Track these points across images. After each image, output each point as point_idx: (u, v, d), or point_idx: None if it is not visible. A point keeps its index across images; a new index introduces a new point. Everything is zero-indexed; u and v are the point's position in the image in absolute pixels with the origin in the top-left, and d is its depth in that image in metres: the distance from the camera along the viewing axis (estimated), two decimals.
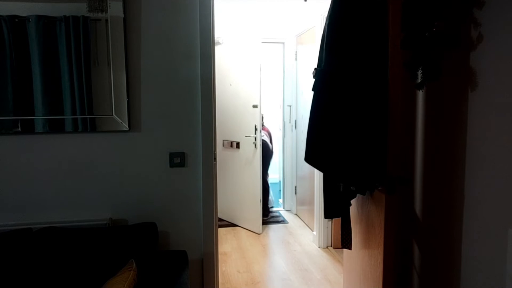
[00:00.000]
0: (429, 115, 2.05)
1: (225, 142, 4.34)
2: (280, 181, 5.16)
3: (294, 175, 4.74)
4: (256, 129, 3.96)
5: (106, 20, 2.01)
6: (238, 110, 4.14)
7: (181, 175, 2.19)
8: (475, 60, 1.71)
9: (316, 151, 1.94)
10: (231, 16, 4.27)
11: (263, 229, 4.19)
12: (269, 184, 4.72)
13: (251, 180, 4.11)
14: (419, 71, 1.85)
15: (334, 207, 2.07)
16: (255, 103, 3.94)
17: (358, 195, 2.05)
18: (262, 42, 4.67)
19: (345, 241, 2.17)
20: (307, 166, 3.95)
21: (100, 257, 1.84)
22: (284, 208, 5.01)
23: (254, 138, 3.99)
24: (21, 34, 1.95)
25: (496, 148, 1.61)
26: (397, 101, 1.73)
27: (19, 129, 2.01)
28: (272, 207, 4.81)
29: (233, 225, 4.36)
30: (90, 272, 1.79)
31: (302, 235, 4.08)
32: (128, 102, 2.08)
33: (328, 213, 2.10)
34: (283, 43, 4.75)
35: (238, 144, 4.19)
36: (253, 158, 4.05)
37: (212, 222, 2.25)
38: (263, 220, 4.32)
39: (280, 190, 5.25)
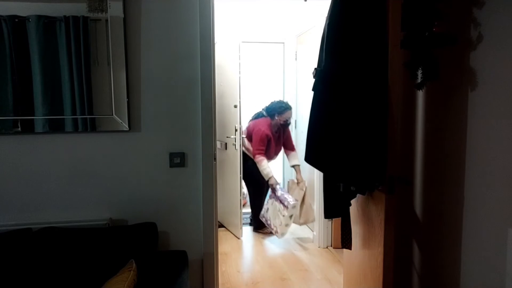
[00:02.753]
0: (429, 115, 2.05)
1: (219, 142, 4.34)
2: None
3: (294, 175, 4.74)
4: (236, 130, 3.91)
5: (106, 20, 2.01)
6: (225, 110, 4.14)
7: (181, 175, 2.19)
8: (475, 60, 1.71)
9: (316, 151, 1.94)
10: (227, 16, 4.27)
11: (262, 229, 4.19)
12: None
13: (233, 183, 4.06)
14: (419, 71, 1.85)
15: (334, 207, 2.07)
16: (235, 103, 3.92)
17: (358, 195, 2.05)
18: (262, 42, 4.66)
19: (345, 241, 2.17)
20: (307, 166, 3.94)
21: (100, 257, 1.84)
22: None
23: (234, 139, 3.94)
24: (21, 34, 1.95)
25: (496, 148, 1.61)
26: (397, 101, 1.73)
27: (19, 129, 2.01)
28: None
29: (223, 226, 4.33)
30: (90, 272, 1.79)
31: (302, 235, 4.08)
32: (128, 102, 2.08)
33: (328, 213, 2.10)
34: (283, 43, 4.75)
35: (225, 145, 4.19)
36: (234, 161, 3.99)
37: (212, 222, 2.25)
38: (257, 231, 4.18)
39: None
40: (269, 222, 3.82)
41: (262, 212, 3.97)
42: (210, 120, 2.18)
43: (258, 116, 4.11)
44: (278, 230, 3.69)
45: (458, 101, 1.82)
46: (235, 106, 3.91)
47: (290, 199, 3.67)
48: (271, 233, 3.91)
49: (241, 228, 4.03)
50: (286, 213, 3.67)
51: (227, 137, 4.05)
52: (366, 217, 2.02)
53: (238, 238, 4.00)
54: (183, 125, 2.17)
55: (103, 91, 2.04)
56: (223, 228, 4.28)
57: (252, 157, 4.01)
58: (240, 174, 3.95)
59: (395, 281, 1.92)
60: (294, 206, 3.66)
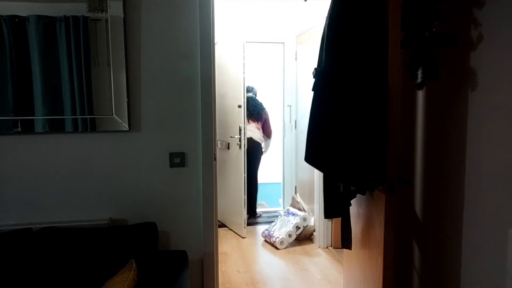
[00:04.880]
0: (429, 115, 2.05)
1: (223, 143, 4.34)
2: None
3: (294, 175, 4.74)
4: (240, 130, 3.93)
5: (106, 20, 2.01)
6: (228, 110, 4.14)
7: (181, 175, 2.19)
8: (475, 60, 1.71)
9: (316, 151, 1.94)
10: (227, 16, 4.27)
11: (263, 229, 4.20)
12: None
13: (236, 182, 4.08)
14: (419, 71, 1.86)
15: (334, 207, 2.07)
16: (239, 103, 3.93)
17: (358, 195, 2.05)
18: (262, 42, 4.65)
19: (345, 241, 2.17)
20: (307, 166, 3.95)
21: (100, 257, 1.84)
22: (284, 208, 5.01)
23: (238, 139, 3.96)
24: (21, 34, 1.95)
25: (496, 148, 1.61)
26: (397, 101, 1.73)
27: (19, 129, 2.01)
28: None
29: (225, 226, 4.35)
30: (90, 272, 1.79)
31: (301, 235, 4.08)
32: (128, 102, 2.08)
33: (328, 213, 2.10)
34: (283, 43, 4.74)
35: (228, 144, 4.19)
36: (237, 160, 4.01)
37: (212, 222, 2.25)
38: (250, 220, 4.30)
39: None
40: (272, 233, 3.86)
41: (268, 227, 4.03)
42: (210, 120, 2.18)
43: (257, 107, 4.55)
44: (280, 237, 3.72)
45: (458, 101, 1.82)
46: (239, 106, 3.92)
47: (301, 213, 3.87)
48: (272, 245, 3.84)
49: (245, 227, 4.04)
50: (294, 221, 3.79)
51: (231, 137, 4.06)
52: (366, 217, 2.02)
53: (243, 238, 4.01)
54: (183, 125, 2.17)
55: (103, 91, 2.04)
56: (225, 228, 4.29)
57: (260, 140, 4.53)
58: (245, 173, 3.97)
59: (395, 281, 1.92)
60: (304, 218, 3.79)
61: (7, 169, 2.04)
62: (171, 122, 2.15)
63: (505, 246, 1.57)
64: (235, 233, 4.14)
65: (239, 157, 3.97)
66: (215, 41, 4.12)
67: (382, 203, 1.80)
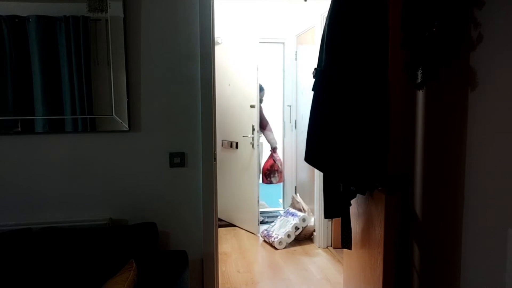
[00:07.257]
0: (429, 115, 2.05)
1: (224, 142, 4.35)
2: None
3: (294, 175, 4.74)
4: (253, 129, 3.96)
5: (106, 20, 2.01)
6: (236, 110, 4.16)
7: (181, 175, 2.19)
8: (475, 60, 1.71)
9: (316, 151, 1.94)
10: (230, 16, 4.27)
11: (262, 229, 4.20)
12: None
13: (248, 181, 4.11)
14: (419, 71, 1.85)
15: (334, 207, 2.07)
16: (252, 103, 3.95)
17: (358, 195, 2.05)
18: (262, 42, 4.67)
19: (345, 241, 2.17)
20: (307, 166, 3.95)
21: (100, 257, 1.84)
22: (284, 208, 5.01)
23: (251, 139, 3.99)
24: (21, 34, 1.95)
25: (496, 148, 1.61)
26: (397, 101, 1.73)
27: (19, 129, 2.01)
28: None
29: (232, 225, 4.38)
30: (90, 272, 1.79)
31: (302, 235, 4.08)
32: (128, 102, 2.08)
33: (328, 213, 2.10)
34: (283, 43, 4.75)
35: (236, 144, 4.20)
36: (250, 159, 4.05)
37: (212, 222, 2.25)
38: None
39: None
40: (271, 233, 3.88)
41: (268, 227, 4.05)
42: (210, 120, 2.18)
43: None
44: (278, 237, 3.73)
45: (458, 101, 1.82)
46: (252, 106, 3.94)
47: (300, 213, 3.89)
48: (271, 245, 3.85)
49: (258, 224, 4.08)
50: (293, 222, 3.80)
51: (244, 136, 4.09)
52: (366, 217, 2.02)
53: (255, 235, 4.05)
54: (183, 125, 2.17)
55: (103, 91, 2.04)
56: (227, 227, 4.32)
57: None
58: (258, 172, 4.04)
59: (395, 281, 1.92)
60: (304, 219, 3.80)
61: (7, 169, 2.04)
62: (171, 122, 2.15)
63: (505, 246, 1.57)
64: (247, 231, 4.18)
65: (252, 156, 4.00)
66: (220, 42, 4.14)
67: (382, 203, 1.80)
